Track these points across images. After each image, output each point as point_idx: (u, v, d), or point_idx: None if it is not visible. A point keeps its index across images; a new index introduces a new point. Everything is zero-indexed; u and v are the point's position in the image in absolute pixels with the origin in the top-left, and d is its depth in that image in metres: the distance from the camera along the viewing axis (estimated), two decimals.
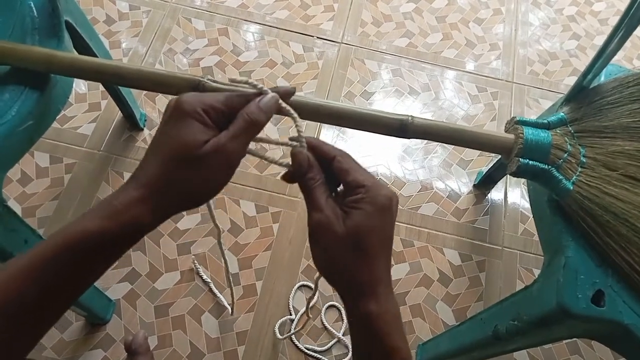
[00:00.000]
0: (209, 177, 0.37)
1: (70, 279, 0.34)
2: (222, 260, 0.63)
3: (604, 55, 0.62)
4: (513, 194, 1.21)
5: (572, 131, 0.63)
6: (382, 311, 0.37)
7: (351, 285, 0.38)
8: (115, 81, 0.60)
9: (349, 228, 0.37)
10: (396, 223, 1.14)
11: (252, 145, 0.42)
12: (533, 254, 1.13)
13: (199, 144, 0.36)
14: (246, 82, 0.43)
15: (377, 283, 0.37)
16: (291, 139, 0.43)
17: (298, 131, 0.42)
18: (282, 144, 0.45)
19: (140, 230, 0.36)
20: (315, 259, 0.40)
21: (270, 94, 0.41)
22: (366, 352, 0.38)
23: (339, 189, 0.43)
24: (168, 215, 0.37)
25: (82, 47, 0.83)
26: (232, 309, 0.99)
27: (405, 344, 0.38)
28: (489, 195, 1.20)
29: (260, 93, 0.42)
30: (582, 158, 0.61)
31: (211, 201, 0.47)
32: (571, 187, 0.59)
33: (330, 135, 1.22)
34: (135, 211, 0.35)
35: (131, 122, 1.17)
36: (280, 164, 0.44)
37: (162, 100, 1.23)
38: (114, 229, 0.34)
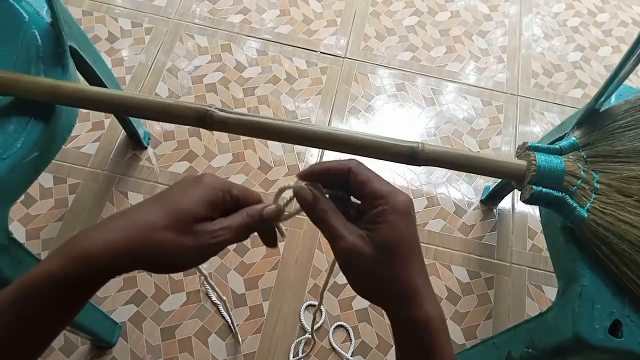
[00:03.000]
0: (181, 249, 0.35)
1: (30, 321, 0.33)
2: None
3: (617, 78, 0.61)
4: (520, 209, 1.20)
5: (585, 156, 0.62)
6: (426, 315, 0.37)
7: (392, 297, 0.37)
8: (122, 112, 0.60)
9: (378, 244, 0.36)
10: None
11: None
12: (542, 270, 1.12)
13: (194, 215, 0.35)
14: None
15: (415, 288, 0.37)
16: (281, 189, 0.42)
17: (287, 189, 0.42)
18: (284, 194, 0.42)
19: (102, 276, 0.34)
20: (352, 283, 0.39)
21: (274, 206, 0.40)
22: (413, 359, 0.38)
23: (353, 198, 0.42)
24: (133, 267, 0.34)
25: (86, 70, 0.82)
26: (236, 333, 0.98)
27: (451, 348, 0.37)
28: (496, 210, 1.19)
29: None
30: (595, 184, 0.60)
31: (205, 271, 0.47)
32: (586, 215, 0.58)
33: (333, 155, 1.21)
34: (102, 258, 0.33)
35: (135, 141, 1.16)
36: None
37: None
38: (73, 272, 0.32)
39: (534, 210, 1.19)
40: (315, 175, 0.41)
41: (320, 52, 1.36)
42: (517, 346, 0.67)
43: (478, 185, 1.21)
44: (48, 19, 0.68)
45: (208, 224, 0.36)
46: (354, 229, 0.38)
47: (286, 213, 0.42)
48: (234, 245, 1.08)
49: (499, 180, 1.11)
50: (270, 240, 0.42)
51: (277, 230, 0.43)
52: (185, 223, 0.35)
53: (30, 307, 0.32)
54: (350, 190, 0.41)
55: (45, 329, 0.34)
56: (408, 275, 0.37)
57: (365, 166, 0.40)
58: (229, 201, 0.38)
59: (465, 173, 1.22)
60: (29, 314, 0.32)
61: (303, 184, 0.41)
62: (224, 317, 1.01)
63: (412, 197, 1.17)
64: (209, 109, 0.58)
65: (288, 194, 0.42)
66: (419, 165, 0.60)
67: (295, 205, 0.41)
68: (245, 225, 0.38)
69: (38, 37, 0.65)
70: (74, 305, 0.35)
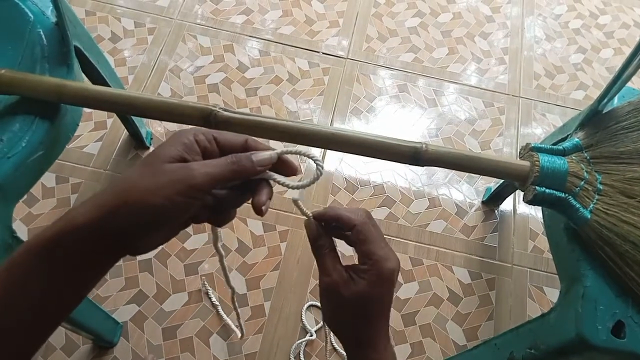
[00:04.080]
0: (160, 191, 0.33)
1: (33, 284, 0.32)
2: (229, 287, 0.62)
3: (620, 80, 0.61)
4: (522, 210, 1.20)
5: (588, 157, 0.63)
6: (379, 359, 0.42)
7: (352, 339, 0.43)
8: (127, 111, 0.60)
9: (354, 294, 0.41)
10: (405, 241, 1.12)
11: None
12: (543, 271, 1.12)
13: (169, 158, 0.34)
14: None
15: (375, 340, 0.42)
16: (304, 214, 0.45)
17: (303, 212, 0.44)
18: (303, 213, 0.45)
19: (81, 234, 0.32)
20: (324, 313, 0.45)
21: (270, 153, 0.39)
22: None
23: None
24: (107, 219, 0.32)
25: (90, 70, 0.83)
26: (241, 331, 0.98)
27: None
28: (497, 211, 1.19)
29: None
30: (598, 185, 0.60)
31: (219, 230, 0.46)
32: (589, 216, 0.58)
33: (336, 155, 1.22)
34: (80, 211, 0.32)
35: (137, 141, 1.16)
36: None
37: None
38: (55, 233, 0.32)
39: (535, 212, 1.20)
40: (325, 219, 0.45)
41: (323, 53, 1.36)
42: (520, 347, 0.67)
43: (479, 187, 1.22)
44: (53, 19, 0.68)
45: (184, 163, 0.35)
46: (341, 271, 0.42)
47: (294, 183, 0.41)
48: (236, 245, 1.08)
49: (501, 181, 1.11)
50: (259, 199, 0.39)
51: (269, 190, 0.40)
52: (156, 164, 0.34)
53: (18, 275, 0.32)
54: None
55: (35, 299, 0.33)
56: (370, 328, 0.42)
57: (372, 224, 0.43)
58: (211, 148, 0.37)
59: (467, 174, 1.23)
60: (30, 276, 0.32)
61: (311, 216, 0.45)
62: (222, 319, 1.01)
63: (414, 198, 1.18)
64: (213, 108, 0.59)
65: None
66: (422, 166, 0.60)
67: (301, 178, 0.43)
68: (229, 163, 0.36)
69: (43, 36, 0.65)
70: (67, 277, 0.33)
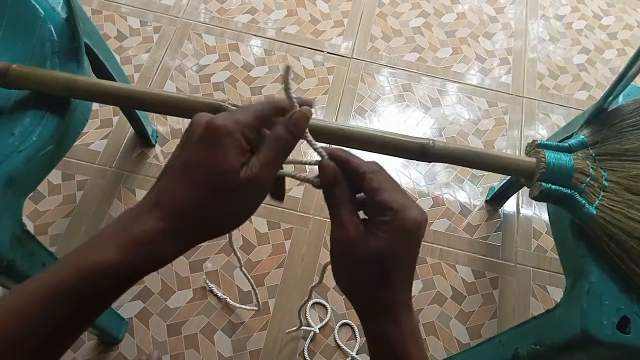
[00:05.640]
0: (240, 207, 0.35)
1: (84, 309, 0.32)
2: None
3: (626, 78, 0.61)
4: (525, 210, 1.20)
5: (594, 154, 0.63)
6: (399, 331, 0.36)
7: (369, 305, 0.37)
8: (136, 106, 0.60)
9: (372, 250, 0.36)
10: None
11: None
12: (547, 270, 1.13)
13: (235, 172, 0.34)
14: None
15: (395, 305, 0.37)
16: (319, 154, 0.41)
17: (315, 149, 0.40)
18: (309, 163, 0.43)
19: (162, 262, 0.34)
20: (335, 273, 0.39)
21: (298, 110, 0.38)
22: None
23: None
24: (191, 246, 0.35)
25: (98, 67, 0.83)
26: (258, 306, 0.98)
27: (422, 357, 0.37)
28: (501, 211, 1.20)
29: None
30: (604, 182, 0.61)
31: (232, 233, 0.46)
32: (594, 212, 0.58)
33: None
34: (159, 243, 0.33)
35: (143, 139, 1.17)
36: (310, 181, 0.41)
37: (174, 117, 1.23)
38: (134, 261, 0.32)
39: (538, 211, 1.20)
40: (334, 158, 0.40)
41: (327, 53, 1.37)
42: (524, 343, 0.68)
43: (482, 186, 1.22)
44: (63, 15, 0.69)
45: (247, 175, 0.34)
46: (358, 224, 0.37)
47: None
48: (241, 242, 1.09)
49: (504, 180, 1.12)
50: (278, 192, 0.42)
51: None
52: (228, 186, 0.34)
53: (94, 295, 0.32)
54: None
55: (98, 312, 0.34)
56: (391, 290, 0.36)
57: (383, 172, 0.39)
58: (254, 130, 0.37)
59: (470, 174, 1.23)
60: (91, 301, 0.32)
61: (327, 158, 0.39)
62: (231, 309, 1.01)
63: (418, 197, 1.19)
64: (222, 103, 0.59)
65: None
66: (429, 162, 0.61)
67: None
68: (281, 149, 0.37)
69: (53, 32, 0.66)
70: (129, 287, 0.34)
